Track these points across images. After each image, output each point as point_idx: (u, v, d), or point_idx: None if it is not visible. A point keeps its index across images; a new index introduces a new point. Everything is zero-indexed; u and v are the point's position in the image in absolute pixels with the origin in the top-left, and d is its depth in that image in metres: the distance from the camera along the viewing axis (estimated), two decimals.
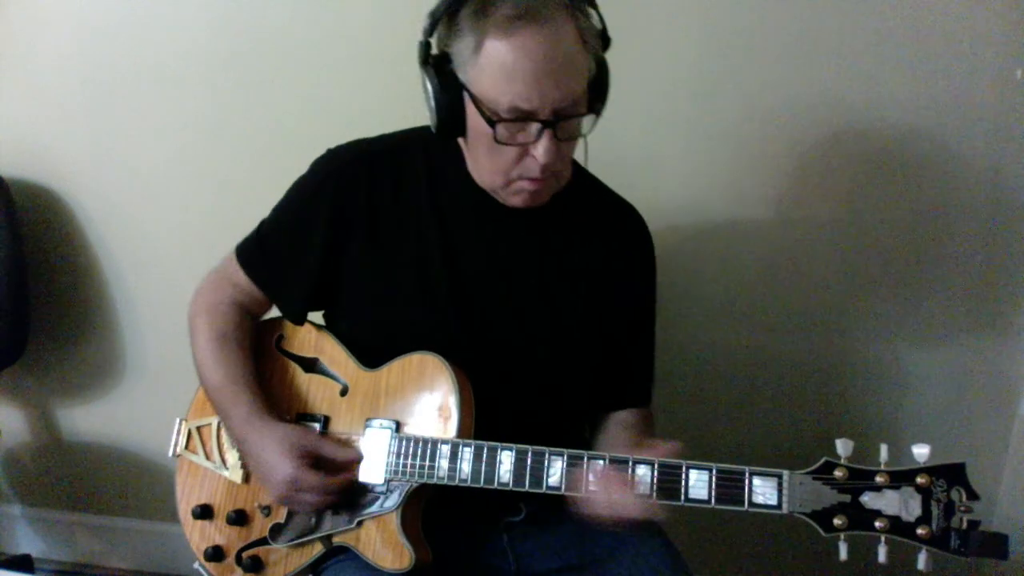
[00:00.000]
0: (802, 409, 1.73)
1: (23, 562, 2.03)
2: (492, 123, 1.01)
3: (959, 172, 1.57)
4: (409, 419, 1.11)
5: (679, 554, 1.17)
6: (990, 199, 1.57)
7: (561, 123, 1.01)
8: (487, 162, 1.08)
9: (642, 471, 1.00)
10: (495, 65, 0.98)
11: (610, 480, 1.01)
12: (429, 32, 1.04)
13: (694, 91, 1.61)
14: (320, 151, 1.21)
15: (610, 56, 1.06)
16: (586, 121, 1.06)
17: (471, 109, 1.03)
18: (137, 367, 1.99)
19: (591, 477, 1.01)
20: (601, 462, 1.02)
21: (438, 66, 1.03)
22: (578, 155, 1.17)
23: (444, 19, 1.02)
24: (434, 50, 1.05)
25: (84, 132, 1.86)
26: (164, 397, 1.22)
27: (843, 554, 0.94)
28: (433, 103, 1.04)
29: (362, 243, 1.16)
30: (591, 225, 1.21)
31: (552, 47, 0.97)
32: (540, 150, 1.02)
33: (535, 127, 1.01)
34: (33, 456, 2.13)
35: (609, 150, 1.24)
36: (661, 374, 1.30)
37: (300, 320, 1.23)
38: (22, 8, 1.82)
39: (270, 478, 1.12)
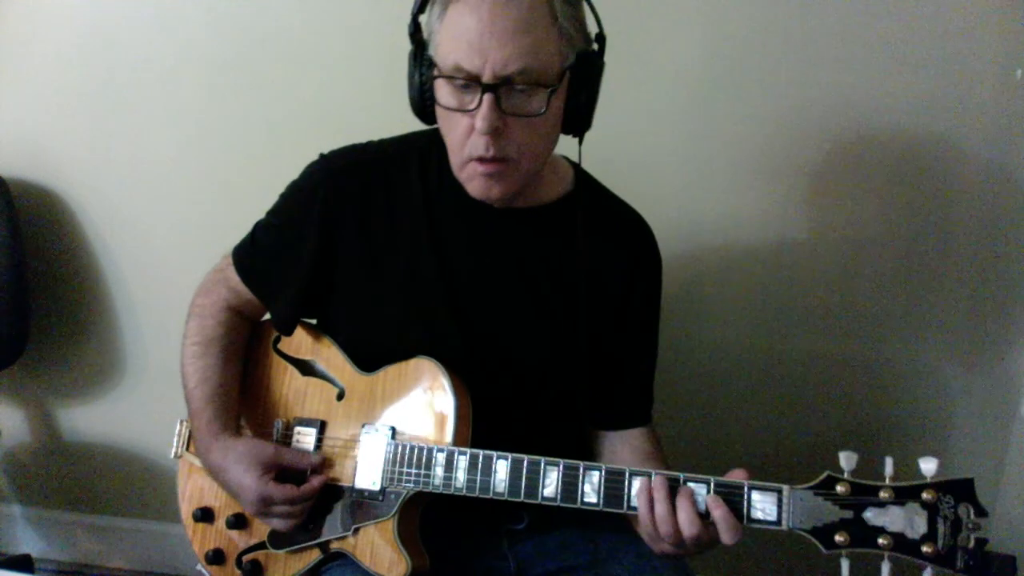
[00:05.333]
0: (803, 410, 1.73)
1: (23, 562, 2.03)
2: (436, 78, 1.00)
3: (959, 172, 1.57)
4: (405, 425, 1.10)
5: (681, 556, 1.16)
6: (990, 199, 1.57)
7: (505, 89, 0.97)
8: (448, 141, 1.06)
9: (639, 485, 0.98)
10: (449, 27, 0.98)
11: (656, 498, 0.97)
12: (420, 8, 1.03)
13: (695, 91, 1.61)
14: (320, 151, 1.20)
15: (611, 58, 1.05)
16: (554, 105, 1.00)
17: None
18: (137, 367, 1.99)
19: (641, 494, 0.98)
20: (598, 473, 0.99)
21: (419, 46, 1.03)
22: (571, 154, 1.16)
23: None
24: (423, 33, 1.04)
25: (84, 132, 1.86)
26: (164, 397, 1.22)
27: (845, 571, 0.91)
28: (407, 81, 1.05)
29: (353, 251, 1.14)
30: (593, 232, 1.16)
31: (502, 7, 0.95)
32: (479, 116, 0.98)
33: (477, 92, 0.97)
34: (33, 456, 2.12)
35: (610, 151, 1.24)
36: (662, 377, 1.29)
37: (289, 329, 1.22)
38: (22, 8, 1.81)
39: (241, 498, 1.13)
